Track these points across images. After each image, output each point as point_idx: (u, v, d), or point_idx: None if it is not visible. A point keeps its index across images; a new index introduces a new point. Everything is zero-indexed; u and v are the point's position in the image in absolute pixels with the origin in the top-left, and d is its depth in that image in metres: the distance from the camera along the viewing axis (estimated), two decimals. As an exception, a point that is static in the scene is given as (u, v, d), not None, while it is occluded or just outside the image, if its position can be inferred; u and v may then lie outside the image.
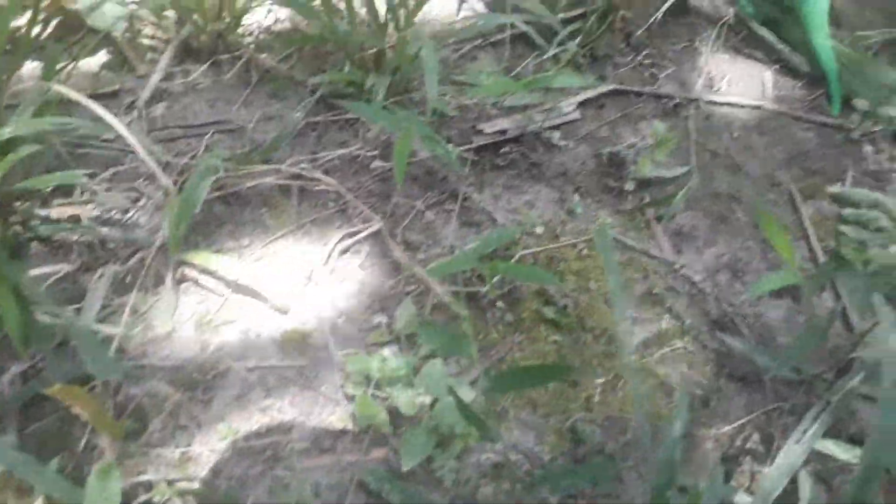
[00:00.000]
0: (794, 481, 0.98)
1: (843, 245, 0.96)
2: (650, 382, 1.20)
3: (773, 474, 0.92)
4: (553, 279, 1.23)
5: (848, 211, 1.01)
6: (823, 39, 1.51)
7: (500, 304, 1.28)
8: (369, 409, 1.05)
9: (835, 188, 1.24)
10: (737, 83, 1.62)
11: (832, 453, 0.99)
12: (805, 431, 0.97)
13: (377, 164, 1.44)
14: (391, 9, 1.45)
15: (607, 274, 1.07)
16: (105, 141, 1.45)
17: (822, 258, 1.31)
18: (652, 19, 1.61)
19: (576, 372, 1.18)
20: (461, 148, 1.46)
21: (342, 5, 1.51)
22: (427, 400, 1.08)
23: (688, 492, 0.89)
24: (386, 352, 1.16)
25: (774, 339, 1.26)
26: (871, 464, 0.77)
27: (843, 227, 0.99)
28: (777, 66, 1.64)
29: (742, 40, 1.69)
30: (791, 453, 0.95)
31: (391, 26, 1.48)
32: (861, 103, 1.50)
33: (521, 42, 1.64)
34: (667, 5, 1.60)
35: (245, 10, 1.62)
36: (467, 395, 1.09)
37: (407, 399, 1.04)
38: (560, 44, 1.58)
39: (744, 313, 1.29)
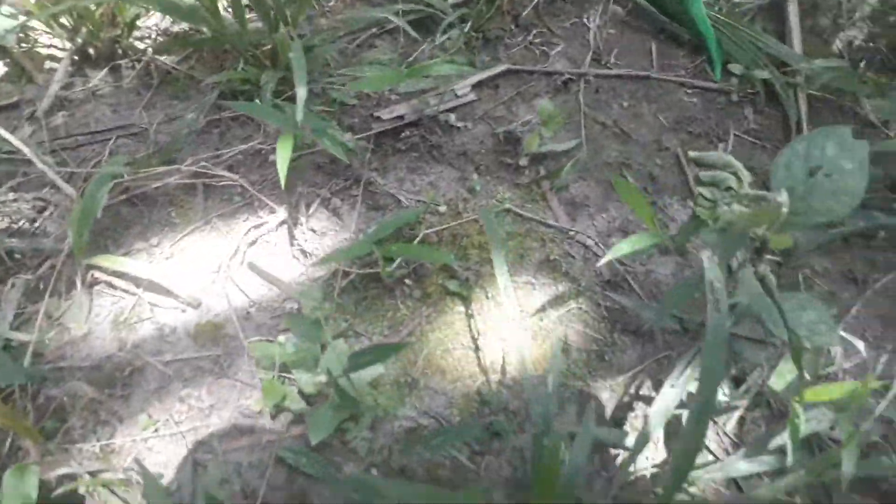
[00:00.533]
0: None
1: (699, 205, 1.04)
2: (547, 343, 1.28)
3: (651, 416, 1.00)
4: (448, 257, 1.29)
5: (704, 173, 1.10)
6: (699, 9, 1.60)
7: (407, 281, 1.34)
8: (276, 390, 1.10)
9: (693, 153, 1.33)
10: (625, 55, 1.70)
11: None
12: (681, 375, 1.06)
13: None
14: (279, 6, 1.49)
15: (492, 248, 1.15)
16: (8, 153, 1.46)
17: (704, 215, 1.41)
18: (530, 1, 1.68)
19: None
20: (362, 135, 1.51)
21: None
22: (325, 378, 1.14)
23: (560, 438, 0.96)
24: (289, 336, 1.21)
25: (663, 293, 1.35)
26: (702, 403, 0.86)
27: (700, 188, 1.08)
28: (662, 37, 1.73)
29: (629, 14, 1.77)
30: (667, 396, 1.03)
31: (281, 24, 1.51)
32: (737, 67, 1.60)
33: (417, 28, 1.69)
34: None
35: (137, 16, 1.64)
36: (368, 370, 1.15)
37: (307, 379, 1.10)
38: (451, 27, 1.64)
39: (635, 272, 1.37)
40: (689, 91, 1.64)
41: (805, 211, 0.96)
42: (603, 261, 1.15)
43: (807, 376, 1.03)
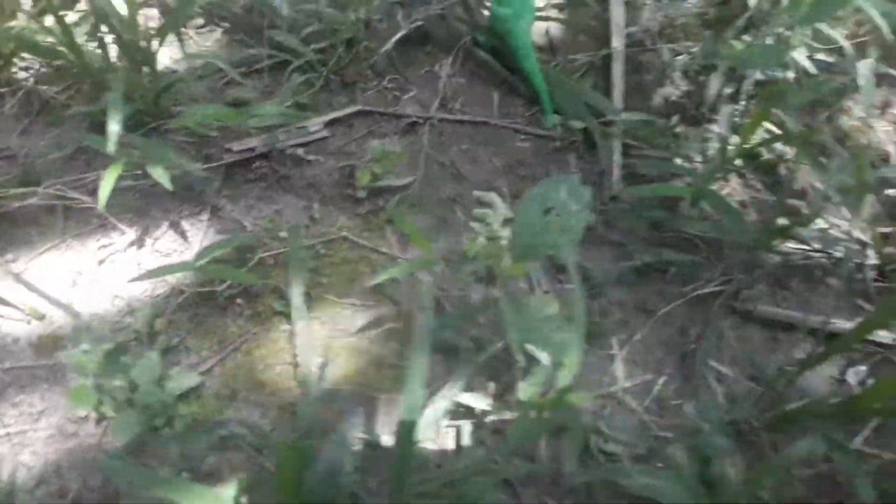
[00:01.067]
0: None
1: (470, 238, 1.21)
2: (364, 359, 1.43)
3: (422, 426, 1.16)
4: (251, 278, 1.45)
5: (477, 210, 1.27)
6: (532, 65, 1.80)
7: (239, 300, 1.48)
8: (85, 397, 1.22)
9: (478, 192, 1.53)
10: (470, 103, 1.88)
11: (468, 403, 1.25)
12: (452, 387, 1.22)
13: (141, 182, 1.62)
14: (128, 46, 1.63)
15: (292, 274, 1.31)
16: None
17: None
18: (385, 48, 1.85)
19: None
20: (214, 164, 1.67)
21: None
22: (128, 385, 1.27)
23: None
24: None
25: (474, 316, 1.52)
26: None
27: (472, 223, 1.26)
28: (504, 88, 1.91)
29: (477, 66, 1.95)
30: (437, 406, 1.20)
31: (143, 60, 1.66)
32: (557, 118, 1.80)
33: (283, 68, 1.86)
34: (396, 37, 1.85)
35: (14, 52, 1.76)
36: (183, 381, 1.29)
37: (112, 386, 1.22)
38: (311, 70, 1.81)
39: (452, 295, 1.54)
40: (523, 137, 1.83)
41: (539, 245, 1.14)
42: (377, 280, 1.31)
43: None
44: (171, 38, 1.76)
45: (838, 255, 1.58)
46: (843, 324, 1.52)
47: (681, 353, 1.51)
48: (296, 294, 1.38)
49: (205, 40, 1.98)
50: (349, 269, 1.57)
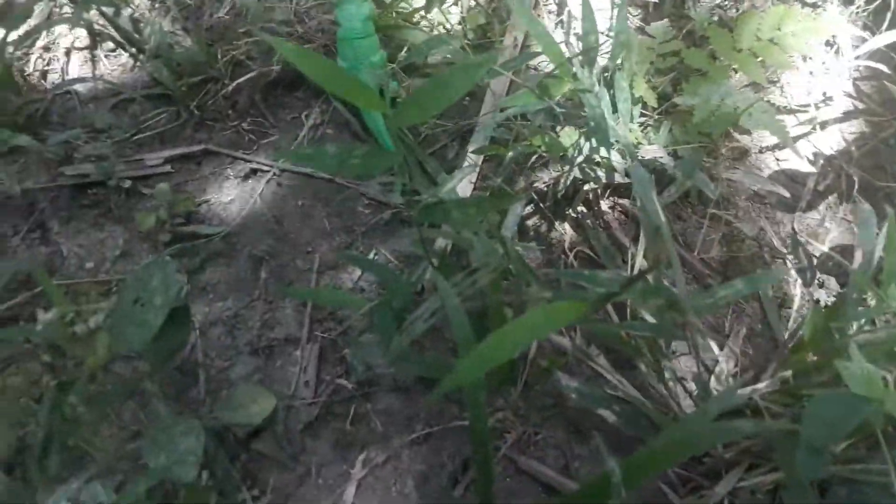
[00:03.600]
0: None
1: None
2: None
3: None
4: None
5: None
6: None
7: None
8: None
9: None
10: (328, 155, 1.83)
11: None
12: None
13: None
14: None
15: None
16: None
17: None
18: (249, 89, 1.84)
19: None
20: (46, 185, 1.73)
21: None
22: None
23: None
24: None
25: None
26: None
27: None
28: (369, 143, 1.84)
29: (347, 117, 1.89)
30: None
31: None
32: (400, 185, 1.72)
33: (156, 100, 1.89)
34: (260, 79, 1.84)
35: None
36: None
37: None
38: (174, 103, 1.84)
39: (216, 366, 1.51)
40: (366, 202, 1.76)
41: (120, 335, 1.09)
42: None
43: None
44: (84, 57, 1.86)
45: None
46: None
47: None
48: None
49: (113, 63, 2.04)
50: (133, 311, 1.58)
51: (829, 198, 1.77)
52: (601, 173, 1.51)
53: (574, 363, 1.47)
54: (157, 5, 2.07)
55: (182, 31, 2.01)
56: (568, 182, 1.56)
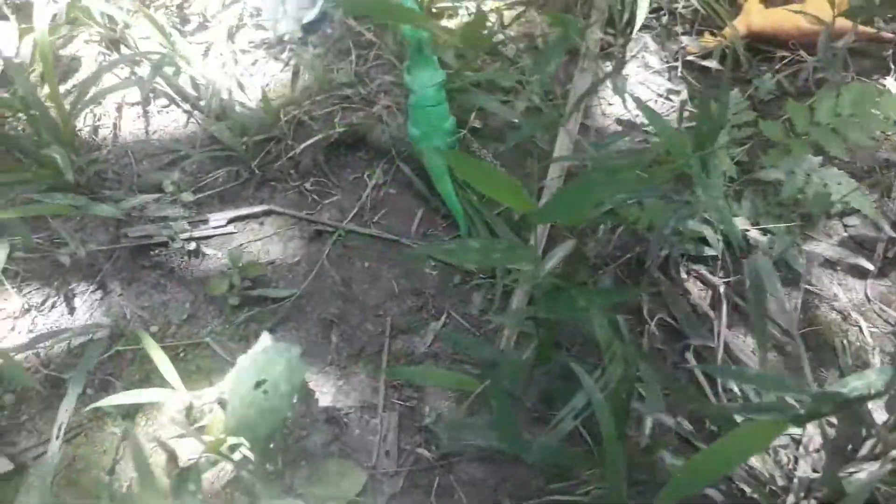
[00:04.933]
0: None
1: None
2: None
3: None
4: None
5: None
6: (446, 189, 1.71)
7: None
8: None
9: None
10: (390, 217, 1.81)
11: None
12: None
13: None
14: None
15: None
16: None
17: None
18: (312, 150, 1.82)
19: None
20: (108, 247, 1.69)
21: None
22: None
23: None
24: None
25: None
26: None
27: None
28: (430, 207, 1.82)
29: (411, 178, 1.87)
30: None
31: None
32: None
33: (214, 161, 1.87)
34: (312, 139, 1.82)
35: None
36: None
37: None
38: (238, 163, 1.82)
39: (294, 435, 1.47)
40: (433, 264, 1.74)
41: (249, 422, 1.05)
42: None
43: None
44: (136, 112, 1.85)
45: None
46: None
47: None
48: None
49: (166, 119, 2.01)
50: (202, 376, 1.55)
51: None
52: (689, 246, 1.51)
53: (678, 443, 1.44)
54: (211, 61, 2.06)
55: (238, 87, 2.00)
56: (661, 254, 1.56)
